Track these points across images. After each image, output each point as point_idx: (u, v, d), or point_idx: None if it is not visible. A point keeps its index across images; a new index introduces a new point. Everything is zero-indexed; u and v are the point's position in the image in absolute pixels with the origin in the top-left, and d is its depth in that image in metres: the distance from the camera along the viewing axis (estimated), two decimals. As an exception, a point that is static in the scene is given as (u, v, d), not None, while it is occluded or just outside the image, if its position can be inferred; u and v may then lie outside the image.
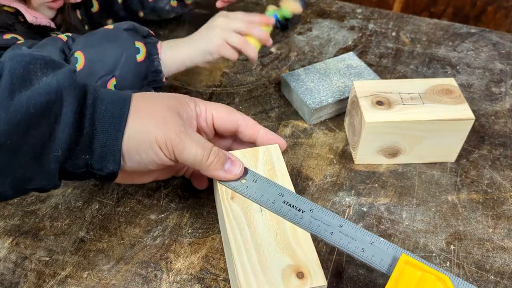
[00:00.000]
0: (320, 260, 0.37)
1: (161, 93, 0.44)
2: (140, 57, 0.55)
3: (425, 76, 0.72)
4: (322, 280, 0.36)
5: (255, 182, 0.43)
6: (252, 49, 0.58)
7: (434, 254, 0.48)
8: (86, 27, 0.75)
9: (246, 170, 0.43)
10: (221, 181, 0.43)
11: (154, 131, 0.39)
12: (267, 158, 0.45)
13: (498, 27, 1.34)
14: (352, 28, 0.83)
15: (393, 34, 0.81)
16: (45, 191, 0.40)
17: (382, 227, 0.51)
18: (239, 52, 0.58)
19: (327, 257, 0.48)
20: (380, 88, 0.56)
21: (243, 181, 0.43)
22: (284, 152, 0.47)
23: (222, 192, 0.42)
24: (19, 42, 0.56)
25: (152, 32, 0.59)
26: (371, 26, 0.83)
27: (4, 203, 0.52)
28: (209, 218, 0.51)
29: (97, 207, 0.52)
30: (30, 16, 0.60)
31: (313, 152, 0.60)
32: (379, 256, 0.38)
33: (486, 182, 0.56)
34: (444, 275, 0.36)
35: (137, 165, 0.41)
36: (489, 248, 0.49)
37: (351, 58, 0.70)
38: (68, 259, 0.47)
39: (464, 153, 0.59)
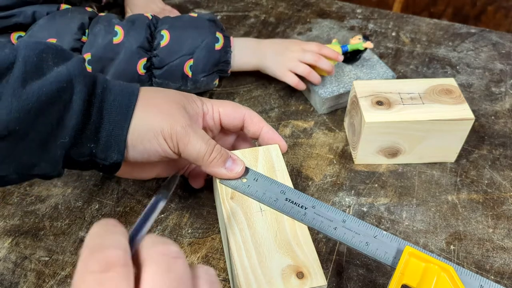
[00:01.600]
0: (320, 260, 0.37)
1: (168, 89, 0.44)
2: (218, 46, 0.62)
3: (425, 76, 0.72)
4: (322, 280, 0.36)
5: (256, 180, 0.43)
6: (315, 78, 0.64)
7: (434, 254, 0.48)
8: None
9: (247, 170, 0.44)
10: (222, 180, 0.43)
11: (160, 122, 0.40)
12: (267, 158, 0.45)
13: (498, 27, 1.34)
14: (352, 28, 0.83)
15: (393, 34, 0.81)
16: (49, 178, 0.40)
17: (382, 227, 0.51)
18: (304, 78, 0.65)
19: (327, 257, 0.48)
20: (380, 88, 0.56)
21: (244, 180, 0.43)
22: (284, 152, 0.47)
23: (222, 192, 0.42)
24: (101, 14, 0.62)
25: (224, 28, 0.66)
26: (371, 26, 0.83)
27: (4, 203, 0.52)
28: (209, 218, 0.51)
29: (97, 207, 0.52)
30: None
31: (313, 152, 0.60)
32: (383, 249, 0.38)
33: (486, 182, 0.56)
34: (448, 265, 0.36)
35: (140, 156, 0.41)
36: (489, 248, 0.49)
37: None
38: (68, 259, 0.47)
39: (464, 153, 0.59)
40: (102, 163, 0.40)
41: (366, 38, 0.68)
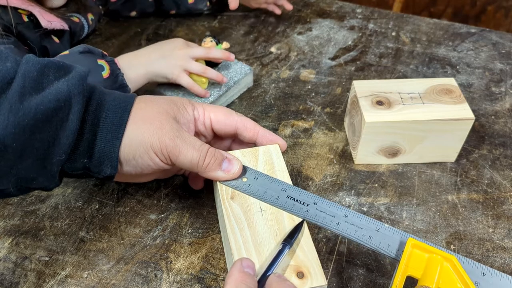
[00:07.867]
0: (320, 260, 0.37)
1: (160, 97, 0.44)
2: (105, 73, 0.56)
3: (425, 76, 0.72)
4: (322, 280, 0.36)
5: (256, 179, 0.43)
6: (212, 74, 0.63)
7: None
8: (102, 11, 0.77)
9: (245, 169, 0.43)
10: (222, 181, 0.43)
11: (149, 137, 0.39)
12: (267, 157, 0.45)
13: (498, 27, 1.34)
14: (352, 28, 0.83)
15: (393, 34, 0.81)
16: (47, 190, 0.40)
17: (382, 227, 0.51)
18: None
19: (327, 257, 0.48)
20: (380, 88, 0.56)
21: (245, 179, 0.43)
22: (284, 152, 0.47)
23: (222, 192, 0.42)
24: None
25: (105, 52, 0.60)
26: (371, 26, 0.83)
27: (4, 203, 0.52)
28: (209, 218, 0.51)
29: (97, 207, 0.52)
30: (45, 20, 0.61)
31: (313, 152, 0.60)
32: (386, 242, 0.38)
33: (486, 182, 0.56)
34: (451, 255, 0.36)
35: (134, 169, 0.41)
36: (489, 248, 0.49)
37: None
38: (68, 259, 0.47)
39: (464, 153, 0.59)
40: (96, 176, 0.41)
41: (215, 38, 0.67)
